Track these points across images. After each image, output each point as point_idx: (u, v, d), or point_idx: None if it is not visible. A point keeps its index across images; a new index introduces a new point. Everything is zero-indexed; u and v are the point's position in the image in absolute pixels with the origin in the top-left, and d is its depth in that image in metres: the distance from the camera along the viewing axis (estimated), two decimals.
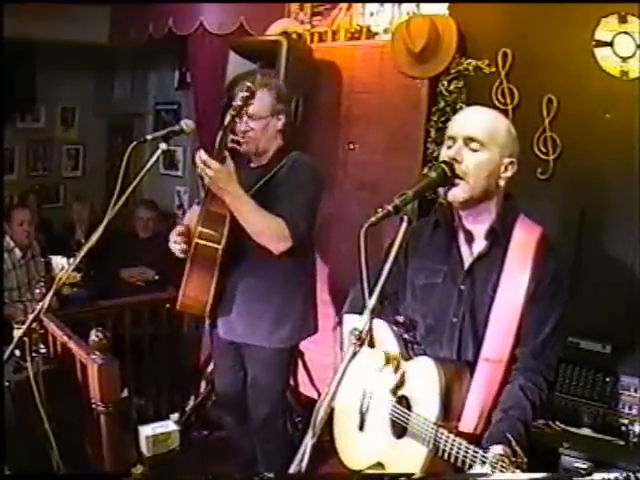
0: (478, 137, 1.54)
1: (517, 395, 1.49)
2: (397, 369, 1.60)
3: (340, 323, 1.91)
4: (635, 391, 2.26)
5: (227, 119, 2.07)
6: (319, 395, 3.12)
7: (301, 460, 1.12)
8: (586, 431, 2.26)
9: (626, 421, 2.24)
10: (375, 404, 1.68)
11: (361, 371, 1.68)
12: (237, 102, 2.07)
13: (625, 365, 2.32)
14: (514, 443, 1.33)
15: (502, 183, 1.58)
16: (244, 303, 2.33)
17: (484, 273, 1.59)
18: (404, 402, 1.59)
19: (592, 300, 2.35)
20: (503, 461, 1.29)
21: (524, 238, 1.58)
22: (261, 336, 2.34)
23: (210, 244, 2.18)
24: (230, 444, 2.78)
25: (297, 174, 2.25)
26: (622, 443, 2.21)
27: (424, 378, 1.53)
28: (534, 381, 1.52)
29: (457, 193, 1.54)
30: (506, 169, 1.57)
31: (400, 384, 1.60)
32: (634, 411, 2.24)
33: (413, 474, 1.51)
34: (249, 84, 2.12)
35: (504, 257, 1.57)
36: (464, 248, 1.64)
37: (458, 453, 1.39)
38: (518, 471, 1.27)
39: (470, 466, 1.35)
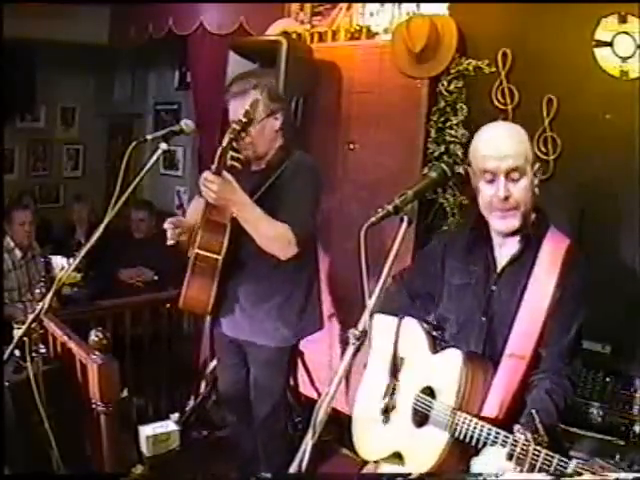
0: (519, 166, 1.59)
1: (543, 399, 1.53)
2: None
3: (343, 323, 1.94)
4: (635, 391, 2.25)
5: (225, 140, 2.01)
6: (319, 395, 3.12)
7: (301, 460, 1.13)
8: (586, 431, 2.26)
9: (626, 421, 2.24)
10: (398, 395, 1.71)
11: (384, 365, 1.73)
12: (235, 125, 2.02)
13: (625, 365, 2.32)
14: (537, 420, 1.37)
15: (537, 191, 1.66)
16: (247, 302, 2.34)
17: (514, 276, 1.66)
18: (428, 392, 1.64)
19: (592, 300, 2.34)
20: (522, 442, 1.34)
21: (553, 247, 1.65)
22: (266, 334, 2.35)
23: (210, 254, 2.18)
24: (230, 444, 2.78)
25: (301, 178, 2.24)
26: (622, 443, 2.21)
27: (449, 367, 1.59)
28: (560, 384, 1.56)
29: (513, 223, 1.62)
30: (535, 176, 1.64)
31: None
32: (634, 411, 2.24)
33: (410, 474, 1.56)
34: (248, 108, 2.06)
35: (534, 263, 1.63)
36: (497, 252, 1.71)
37: (480, 435, 1.45)
38: (539, 448, 1.32)
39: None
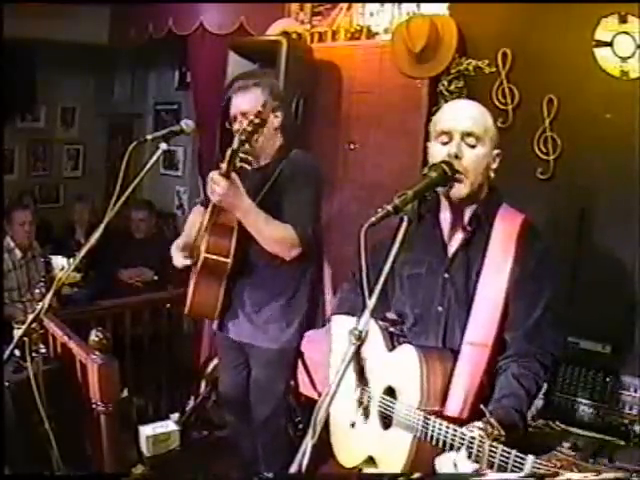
0: (475, 132, 1.55)
1: (510, 384, 1.48)
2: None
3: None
4: (635, 391, 2.25)
5: (236, 142, 1.99)
6: (319, 395, 3.12)
7: (301, 460, 1.13)
8: (586, 431, 2.26)
9: (626, 421, 2.24)
10: (366, 398, 1.68)
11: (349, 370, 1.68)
12: (247, 127, 1.99)
13: (625, 365, 2.32)
14: (488, 415, 1.33)
15: (492, 175, 1.61)
16: (252, 305, 2.35)
17: (467, 260, 1.61)
18: (390, 393, 1.60)
19: (592, 300, 2.35)
20: (478, 439, 1.29)
21: (506, 224, 1.60)
22: (270, 336, 2.36)
23: (219, 258, 2.18)
24: (230, 444, 2.78)
25: (300, 176, 2.24)
26: (622, 443, 2.21)
27: (406, 365, 1.54)
28: (528, 367, 1.50)
29: (460, 189, 1.56)
30: (494, 160, 1.61)
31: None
32: (634, 411, 2.24)
33: (412, 474, 1.51)
34: (260, 109, 2.03)
35: (487, 243, 1.58)
36: (447, 237, 1.65)
37: (439, 435, 1.40)
38: (495, 444, 1.27)
39: (451, 447, 1.36)
